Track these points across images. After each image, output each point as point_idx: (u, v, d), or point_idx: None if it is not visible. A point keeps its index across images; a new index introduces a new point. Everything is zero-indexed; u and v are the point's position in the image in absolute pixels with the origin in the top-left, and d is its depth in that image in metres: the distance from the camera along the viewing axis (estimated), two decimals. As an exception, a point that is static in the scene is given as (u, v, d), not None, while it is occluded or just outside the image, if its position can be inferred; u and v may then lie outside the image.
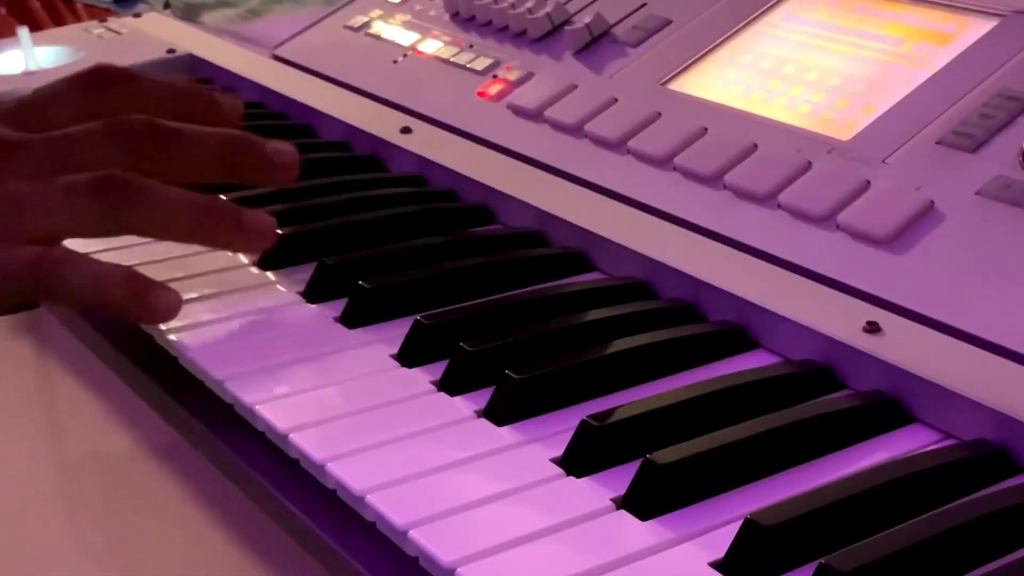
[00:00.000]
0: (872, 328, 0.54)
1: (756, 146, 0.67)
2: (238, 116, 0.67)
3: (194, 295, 0.62)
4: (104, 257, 0.65)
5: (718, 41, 0.76)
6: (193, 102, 0.65)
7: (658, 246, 0.63)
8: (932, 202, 0.59)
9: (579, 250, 0.66)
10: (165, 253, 0.65)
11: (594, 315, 0.59)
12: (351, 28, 0.96)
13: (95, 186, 0.57)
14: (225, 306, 0.62)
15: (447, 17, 0.91)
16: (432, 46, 0.89)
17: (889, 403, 0.52)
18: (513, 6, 0.86)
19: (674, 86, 0.74)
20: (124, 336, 0.65)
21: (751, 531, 0.43)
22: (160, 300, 0.59)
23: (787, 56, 0.73)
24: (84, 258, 0.58)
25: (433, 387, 0.55)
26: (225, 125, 0.65)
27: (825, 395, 0.53)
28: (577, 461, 0.49)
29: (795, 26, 0.74)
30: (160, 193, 0.59)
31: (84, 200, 0.57)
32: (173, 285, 0.62)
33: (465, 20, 0.90)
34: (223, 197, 0.66)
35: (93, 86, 0.63)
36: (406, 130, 0.81)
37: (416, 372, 0.56)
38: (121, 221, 0.58)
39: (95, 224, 0.58)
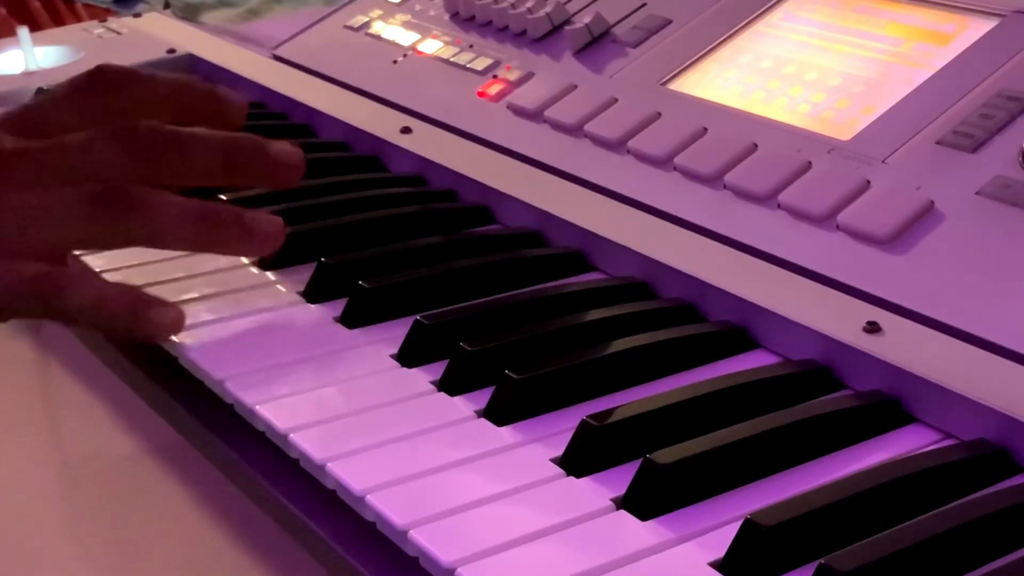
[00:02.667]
0: (872, 328, 0.54)
1: (756, 146, 0.67)
2: (243, 114, 0.66)
3: (194, 295, 0.62)
4: (105, 261, 0.65)
5: (718, 41, 0.76)
6: (198, 102, 0.64)
7: (658, 246, 0.63)
8: (932, 202, 0.59)
9: (579, 250, 0.66)
10: (165, 254, 0.65)
11: (594, 315, 0.59)
12: (351, 28, 0.96)
13: (98, 198, 0.57)
14: (225, 306, 0.62)
15: (447, 17, 0.91)
16: (432, 46, 0.89)
17: (889, 403, 0.52)
18: (513, 6, 0.86)
19: (674, 86, 0.74)
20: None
21: (751, 531, 0.43)
22: (162, 317, 0.58)
23: (787, 56, 0.73)
24: (86, 277, 0.58)
25: (433, 387, 0.55)
26: (231, 125, 0.64)
27: (825, 395, 0.53)
28: (577, 461, 0.49)
29: (795, 26, 0.74)
30: (164, 203, 0.58)
31: (86, 213, 0.57)
32: (174, 285, 0.62)
33: (465, 20, 0.90)
34: (223, 198, 0.66)
35: (95, 90, 0.62)
36: (406, 130, 0.81)
37: (416, 372, 0.56)
38: (125, 233, 0.58)
39: (99, 236, 0.58)
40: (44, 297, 0.56)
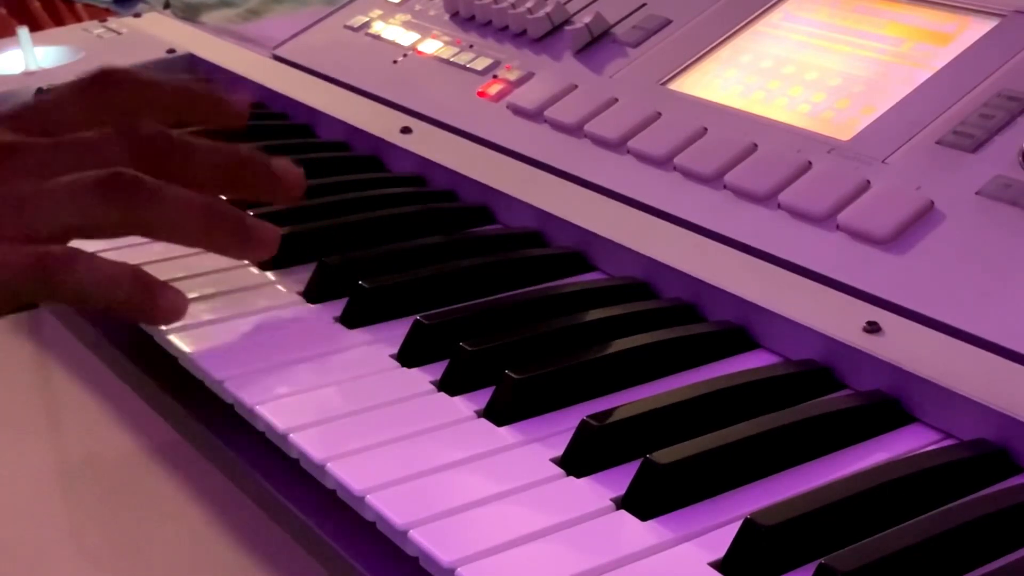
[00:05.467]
0: (872, 328, 0.54)
1: (756, 146, 0.67)
2: (245, 116, 0.66)
3: (194, 295, 0.62)
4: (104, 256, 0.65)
5: (718, 41, 0.76)
6: (200, 103, 0.65)
7: (658, 246, 0.63)
8: (932, 202, 0.59)
9: (579, 250, 0.66)
10: (165, 253, 0.65)
11: (594, 315, 0.59)
12: (351, 28, 0.96)
13: (103, 183, 0.56)
14: (225, 306, 0.62)
15: (447, 17, 0.91)
16: (432, 46, 0.89)
17: (889, 403, 0.52)
18: (513, 6, 0.86)
19: (674, 86, 0.74)
20: (124, 336, 0.65)
21: (751, 531, 0.43)
22: (166, 300, 0.58)
23: (787, 56, 0.73)
24: (90, 256, 0.57)
25: (433, 387, 0.55)
26: (232, 126, 0.65)
27: (825, 395, 0.53)
28: (577, 461, 0.49)
29: (795, 26, 0.74)
30: (170, 193, 0.58)
31: (90, 198, 0.56)
32: (174, 285, 0.62)
33: (465, 20, 0.90)
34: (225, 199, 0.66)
35: (98, 90, 0.62)
36: (406, 130, 0.81)
37: (416, 372, 0.56)
38: (129, 219, 0.57)
39: (101, 223, 0.57)
40: (45, 275, 0.55)
